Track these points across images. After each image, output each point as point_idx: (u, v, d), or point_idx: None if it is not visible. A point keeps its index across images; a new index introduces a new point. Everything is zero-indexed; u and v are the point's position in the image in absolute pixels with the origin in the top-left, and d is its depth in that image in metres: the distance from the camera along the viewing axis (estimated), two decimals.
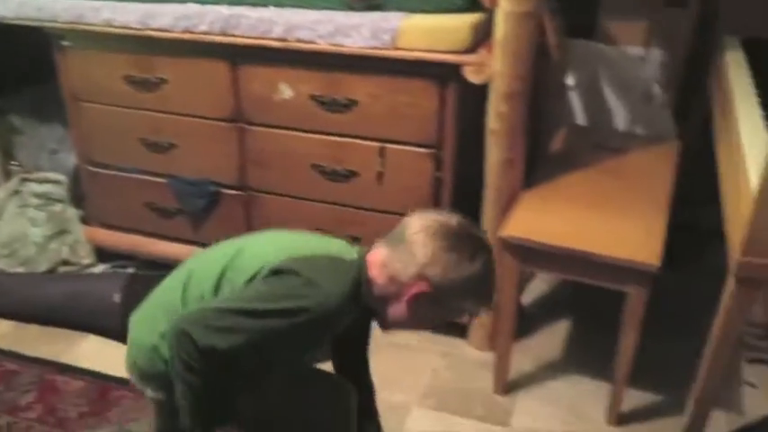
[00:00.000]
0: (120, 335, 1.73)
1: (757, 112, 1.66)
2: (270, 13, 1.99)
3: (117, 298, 2.20)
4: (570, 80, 2.39)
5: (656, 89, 2.31)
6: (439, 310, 1.24)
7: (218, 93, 2.15)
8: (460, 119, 1.94)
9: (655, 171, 2.03)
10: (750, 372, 2.02)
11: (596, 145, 2.17)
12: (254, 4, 2.04)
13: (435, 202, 2.05)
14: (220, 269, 1.26)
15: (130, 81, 2.23)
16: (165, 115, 2.25)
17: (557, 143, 2.25)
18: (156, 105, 2.24)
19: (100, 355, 2.16)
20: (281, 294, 1.16)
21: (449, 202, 2.05)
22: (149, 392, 1.34)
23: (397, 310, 1.23)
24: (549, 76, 2.33)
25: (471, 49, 1.82)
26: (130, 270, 2.46)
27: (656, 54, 2.27)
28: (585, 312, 2.31)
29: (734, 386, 1.98)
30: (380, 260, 1.23)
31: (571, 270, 1.78)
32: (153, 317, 1.31)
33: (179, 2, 2.08)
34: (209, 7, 2.04)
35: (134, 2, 2.10)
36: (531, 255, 1.79)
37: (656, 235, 1.72)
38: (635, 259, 1.64)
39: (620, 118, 2.38)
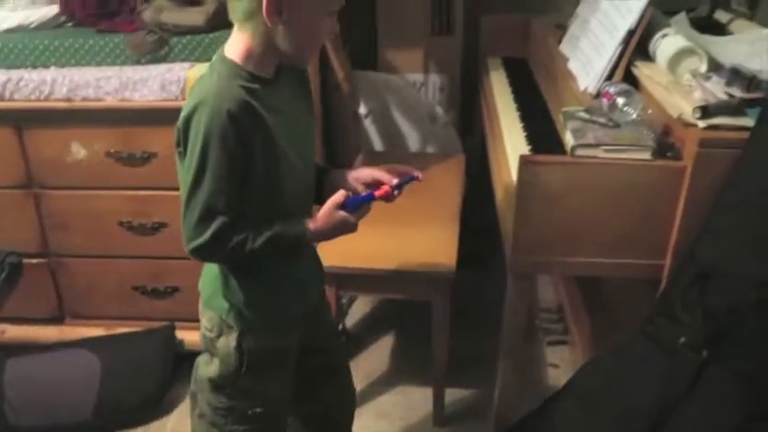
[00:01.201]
0: None
1: (518, 123, 1.89)
2: (52, 73, 1.93)
3: None
4: (362, 109, 2.54)
5: (439, 110, 2.53)
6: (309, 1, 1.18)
7: (6, 159, 2.04)
8: None
9: (445, 185, 2.22)
10: (552, 354, 2.25)
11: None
12: (34, 66, 1.97)
13: None
14: None
15: None
16: None
17: None
18: None
19: None
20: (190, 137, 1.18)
21: None
22: (203, 322, 1.37)
23: (285, 36, 1.18)
24: (342, 107, 2.48)
25: None
26: None
27: (435, 78, 2.49)
28: (405, 325, 2.43)
29: (539, 369, 2.20)
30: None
31: (381, 289, 1.90)
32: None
33: None
34: None
35: None
36: (345, 280, 1.89)
37: (450, 244, 1.88)
38: (433, 270, 1.79)
39: (412, 139, 2.57)
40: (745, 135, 1.27)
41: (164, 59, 1.95)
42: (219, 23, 1.96)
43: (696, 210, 1.33)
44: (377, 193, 1.31)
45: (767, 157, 1.23)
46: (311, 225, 1.27)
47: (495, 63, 2.36)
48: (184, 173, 1.21)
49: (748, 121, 1.29)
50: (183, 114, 1.19)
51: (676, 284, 1.35)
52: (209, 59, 1.91)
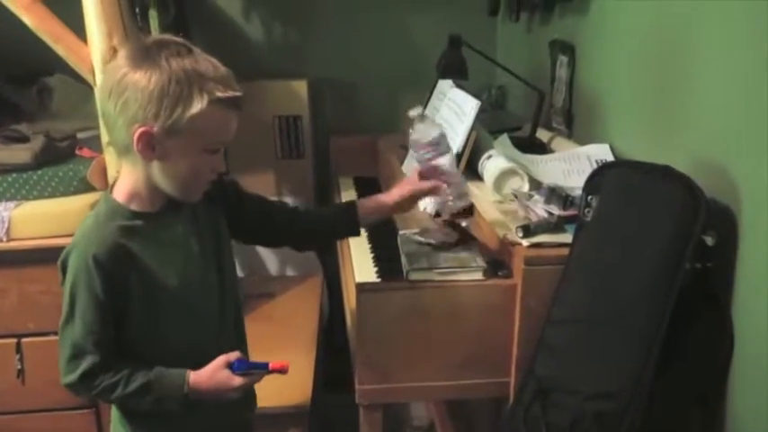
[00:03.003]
0: None
1: (366, 244, 1.88)
2: None
3: None
4: None
5: None
6: (183, 137, 1.10)
7: None
8: None
9: (302, 309, 2.18)
10: None
11: (247, 294, 2.25)
12: None
13: None
14: None
15: None
16: None
17: None
18: None
19: None
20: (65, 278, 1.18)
21: None
22: None
23: (163, 173, 1.13)
24: None
25: None
26: None
27: (288, 200, 2.48)
28: None
29: None
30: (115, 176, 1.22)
31: None
32: None
33: None
34: None
35: None
36: None
37: (304, 374, 1.83)
38: (286, 404, 1.71)
39: (271, 263, 2.53)
40: (566, 251, 1.32)
41: None
42: (49, 160, 1.88)
43: (531, 325, 1.35)
44: (272, 365, 1.25)
45: (585, 272, 1.28)
46: (192, 377, 1.19)
47: (346, 182, 2.39)
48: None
49: (567, 237, 1.35)
50: (62, 255, 1.18)
51: (520, 401, 1.34)
52: (38, 197, 1.85)
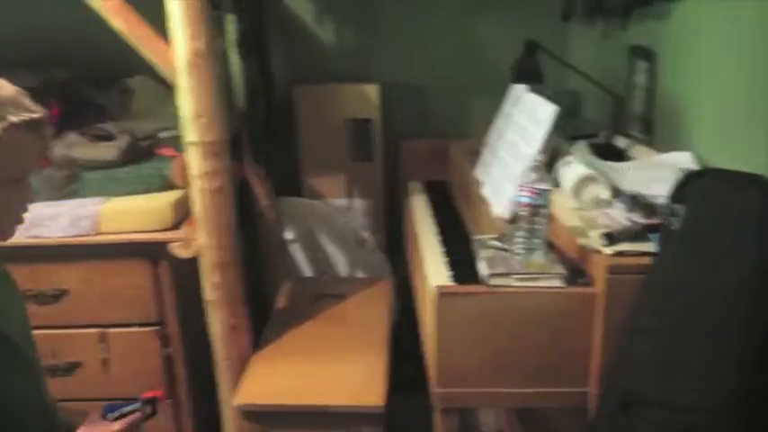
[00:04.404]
0: None
1: (438, 248, 1.89)
2: None
3: None
4: (289, 235, 2.53)
5: (366, 234, 2.54)
6: None
7: None
8: (181, 293, 1.95)
9: (373, 311, 2.19)
10: None
11: (319, 294, 2.29)
12: None
13: (169, 379, 2.00)
14: None
15: None
16: None
17: (282, 299, 2.33)
18: None
19: None
20: None
21: (183, 377, 2.02)
22: None
23: None
24: (267, 235, 2.46)
25: (175, 225, 1.87)
26: None
27: (359, 203, 2.52)
28: None
29: None
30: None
31: (308, 426, 1.81)
32: None
33: None
34: None
35: None
36: (269, 418, 1.80)
37: (378, 375, 1.84)
38: (361, 404, 1.73)
39: (341, 265, 2.56)
40: (649, 260, 1.30)
41: (76, 195, 1.91)
42: (133, 158, 1.95)
43: (614, 335, 1.34)
44: (143, 395, 1.30)
45: (671, 283, 1.26)
46: None
47: (415, 187, 2.40)
48: None
49: (651, 247, 1.33)
50: None
51: (602, 413, 1.33)
52: (123, 194, 1.92)
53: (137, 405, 1.27)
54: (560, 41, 2.51)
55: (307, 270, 2.59)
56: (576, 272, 1.40)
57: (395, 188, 2.60)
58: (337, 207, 2.56)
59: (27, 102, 1.04)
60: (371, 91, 2.50)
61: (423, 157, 2.50)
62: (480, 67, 2.54)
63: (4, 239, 1.12)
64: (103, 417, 1.24)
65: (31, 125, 1.03)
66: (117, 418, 1.24)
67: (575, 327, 1.37)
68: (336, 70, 2.58)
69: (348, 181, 2.54)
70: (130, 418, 1.25)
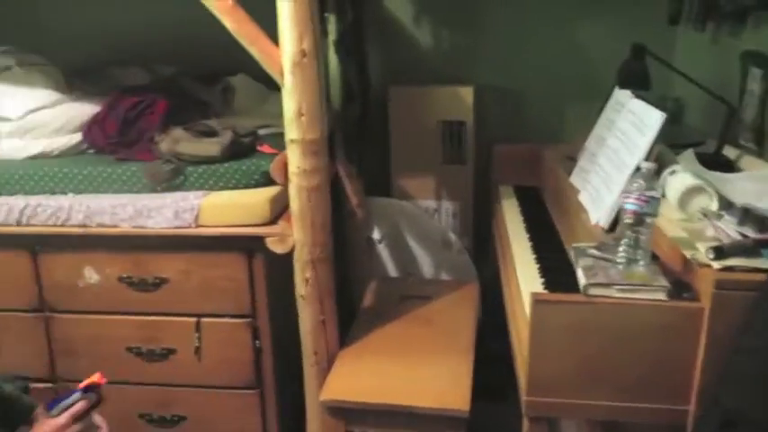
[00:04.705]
0: None
1: (530, 254, 1.87)
2: (69, 200, 1.98)
3: None
4: (376, 235, 2.55)
5: (453, 236, 2.53)
6: None
7: (19, 283, 2.06)
8: (272, 287, 2.00)
9: (459, 314, 2.18)
10: None
11: (404, 295, 2.30)
12: (53, 192, 2.02)
13: (257, 371, 2.05)
14: None
15: None
16: None
17: (368, 298, 2.35)
18: None
19: None
20: None
21: (271, 370, 2.06)
22: None
23: None
24: (355, 233, 2.49)
25: (272, 221, 1.92)
26: None
27: (447, 205, 2.51)
28: None
29: None
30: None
31: (392, 425, 1.82)
32: None
33: None
34: (2, 199, 2.00)
35: None
36: (353, 415, 1.82)
37: (463, 379, 1.82)
38: (446, 407, 1.72)
39: (426, 266, 2.56)
40: (762, 277, 1.24)
41: (179, 188, 1.99)
42: (234, 154, 2.01)
43: (718, 353, 1.27)
44: (81, 385, 1.31)
45: None
46: None
47: (507, 191, 2.38)
48: None
49: (764, 263, 1.26)
50: None
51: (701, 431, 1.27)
52: (223, 188, 1.99)
53: (76, 396, 1.29)
54: (666, 46, 2.41)
55: (392, 270, 2.60)
56: (679, 285, 1.34)
57: (485, 192, 2.57)
58: (426, 208, 2.56)
59: None
60: (466, 93, 2.48)
61: (515, 161, 2.47)
62: (580, 72, 2.48)
63: None
64: (49, 410, 1.28)
65: None
66: (61, 412, 1.27)
67: (676, 342, 1.32)
68: (432, 71, 2.57)
69: (438, 183, 2.53)
70: (74, 409, 1.28)
